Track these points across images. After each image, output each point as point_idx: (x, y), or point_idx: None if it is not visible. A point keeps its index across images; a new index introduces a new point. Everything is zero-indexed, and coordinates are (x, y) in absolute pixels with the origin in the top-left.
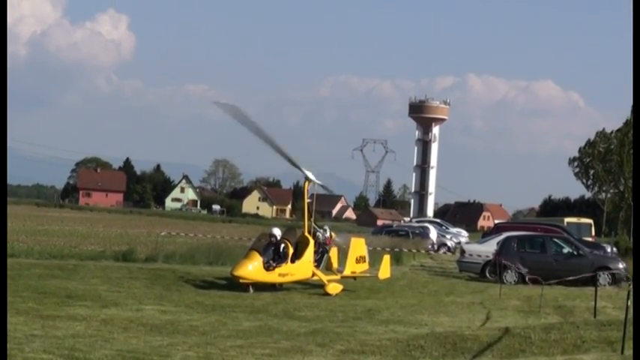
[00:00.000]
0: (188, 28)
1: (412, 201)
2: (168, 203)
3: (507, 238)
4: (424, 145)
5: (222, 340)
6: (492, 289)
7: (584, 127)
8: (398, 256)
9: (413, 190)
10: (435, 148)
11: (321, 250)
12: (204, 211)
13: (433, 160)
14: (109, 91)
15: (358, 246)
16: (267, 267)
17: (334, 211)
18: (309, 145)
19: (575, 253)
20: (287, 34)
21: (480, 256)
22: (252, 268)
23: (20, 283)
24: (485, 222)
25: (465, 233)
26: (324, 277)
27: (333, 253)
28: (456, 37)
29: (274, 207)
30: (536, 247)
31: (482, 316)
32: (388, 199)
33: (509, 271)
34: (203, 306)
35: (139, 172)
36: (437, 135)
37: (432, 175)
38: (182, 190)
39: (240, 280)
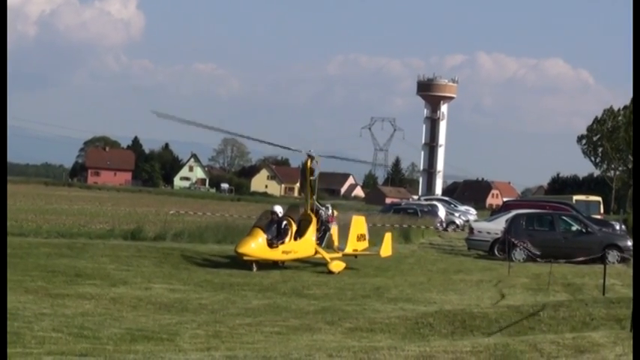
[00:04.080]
0: (197, 7)
1: (421, 179)
2: (177, 182)
3: (516, 216)
4: (432, 123)
5: (231, 319)
6: (501, 267)
7: (594, 105)
8: (406, 234)
9: (421, 168)
10: (443, 126)
11: (323, 228)
12: (213, 190)
13: (442, 138)
14: (118, 71)
15: (359, 224)
16: (271, 244)
17: (343, 189)
18: (318, 123)
19: (583, 230)
20: (296, 12)
21: (489, 233)
22: (256, 246)
23: (29, 262)
24: (493, 200)
25: (473, 211)
26: (327, 255)
27: (334, 231)
28: (465, 15)
29: (283, 185)
30: (545, 225)
31: (491, 293)
32: (397, 177)
33: (517, 248)
34: (212, 284)
35: (147, 151)
36: (445, 113)
37: (441, 153)
38: (190, 168)
39: (244, 258)
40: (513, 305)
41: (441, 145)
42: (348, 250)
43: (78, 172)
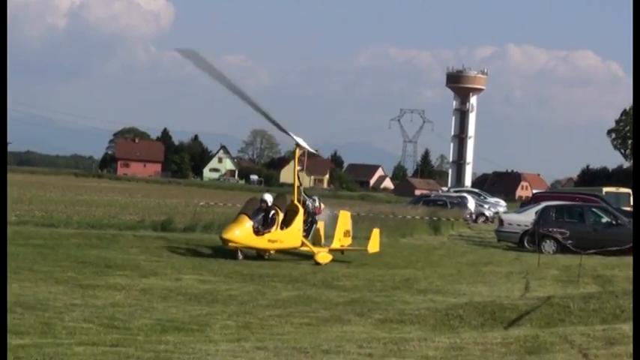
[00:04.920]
0: None
1: (450, 171)
2: (206, 173)
3: (546, 208)
4: (462, 115)
5: (261, 310)
6: (531, 259)
7: (624, 97)
8: (436, 226)
9: (451, 159)
10: (472, 117)
11: (310, 219)
12: (242, 181)
13: (471, 129)
14: (148, 62)
15: (345, 219)
16: (257, 232)
17: (372, 181)
18: (348, 114)
19: (613, 222)
20: (326, 3)
21: (519, 225)
22: (241, 232)
23: (60, 253)
24: (523, 192)
25: (503, 203)
26: (313, 247)
27: (321, 226)
28: (495, 7)
29: (312, 177)
30: (575, 217)
31: (521, 285)
32: (426, 169)
33: (547, 240)
34: (242, 275)
35: (176, 143)
36: (474, 105)
37: (470, 144)
38: (220, 160)
39: (230, 244)
40: (543, 297)
41: (470, 137)
42: (335, 245)
43: (108, 163)
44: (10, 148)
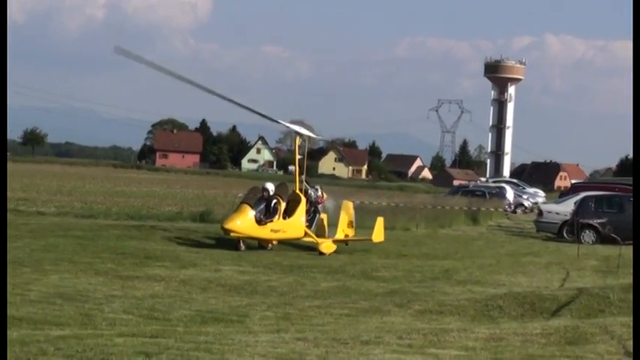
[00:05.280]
0: None
1: (488, 161)
2: (245, 164)
3: (585, 198)
4: (500, 105)
5: (301, 301)
6: (570, 249)
7: None
8: (475, 217)
9: (489, 150)
10: (510, 107)
11: (312, 209)
12: (281, 172)
13: (509, 120)
14: (186, 53)
15: (348, 209)
16: (259, 222)
17: (410, 171)
18: (386, 105)
19: None
20: None
21: (558, 214)
22: (243, 222)
23: (99, 244)
24: (561, 182)
25: (541, 193)
26: (316, 238)
27: (324, 217)
28: None
29: (350, 167)
30: (614, 207)
31: (561, 276)
32: (464, 159)
33: (586, 231)
34: (281, 266)
35: (215, 134)
36: (513, 95)
37: (508, 135)
38: (258, 151)
39: (231, 234)
40: (583, 287)
41: (508, 127)
42: (339, 236)
43: (146, 154)
44: (49, 139)
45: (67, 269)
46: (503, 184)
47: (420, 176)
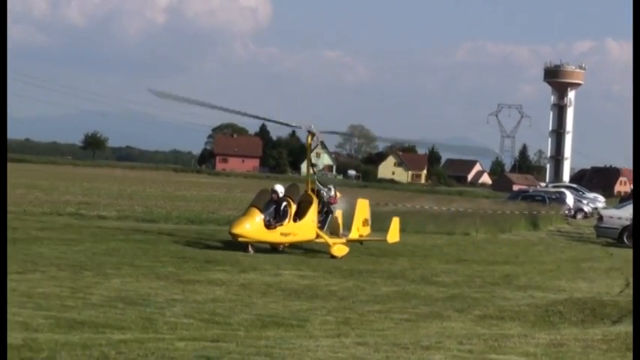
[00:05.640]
0: None
1: (548, 166)
2: (304, 168)
3: None
4: (560, 110)
5: (361, 305)
6: (631, 255)
7: None
8: (534, 222)
9: (548, 155)
10: (570, 112)
11: (325, 210)
12: (340, 176)
13: (569, 124)
14: (246, 58)
15: (364, 208)
16: (268, 225)
17: (470, 176)
18: (445, 110)
19: None
20: (424, 0)
21: (619, 219)
22: (252, 226)
23: (160, 248)
24: (621, 187)
25: (601, 198)
26: (329, 239)
27: (339, 215)
28: (593, 1)
29: (409, 172)
30: None
31: (621, 281)
32: (524, 164)
33: None
34: (341, 271)
35: (274, 138)
36: (572, 100)
37: (568, 139)
38: (318, 155)
39: (240, 239)
40: None
41: (568, 132)
42: (354, 235)
43: (206, 158)
44: (110, 143)
45: (128, 273)
46: (563, 189)
47: (480, 181)
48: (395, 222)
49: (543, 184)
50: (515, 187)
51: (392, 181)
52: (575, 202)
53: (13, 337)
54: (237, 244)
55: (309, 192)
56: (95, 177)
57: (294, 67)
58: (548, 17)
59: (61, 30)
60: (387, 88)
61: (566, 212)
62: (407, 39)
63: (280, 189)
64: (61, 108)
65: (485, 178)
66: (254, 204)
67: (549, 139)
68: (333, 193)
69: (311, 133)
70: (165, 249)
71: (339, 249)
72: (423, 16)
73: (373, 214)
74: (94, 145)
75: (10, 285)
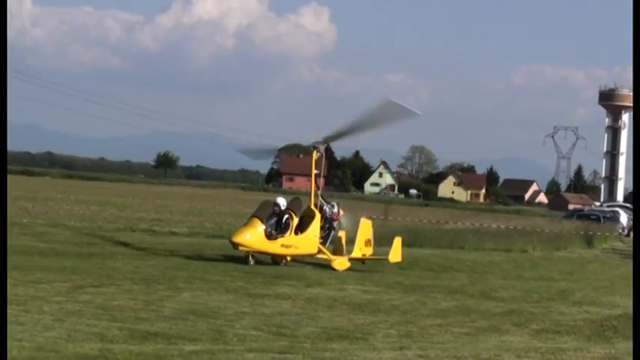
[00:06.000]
0: (386, 20)
1: (602, 186)
2: (367, 187)
3: None
4: (614, 132)
5: (422, 319)
6: None
7: None
8: (589, 240)
9: (603, 175)
10: (624, 134)
11: (327, 225)
12: (402, 195)
13: (623, 146)
14: (312, 81)
15: (366, 228)
16: (269, 236)
17: (527, 195)
18: (503, 131)
19: None
20: (483, 24)
21: None
22: (252, 236)
23: (229, 263)
24: None
25: None
26: (330, 255)
27: (343, 235)
28: None
29: (468, 191)
30: None
31: None
32: (579, 184)
33: None
34: (403, 286)
35: (339, 158)
36: (626, 122)
37: (622, 161)
38: (380, 174)
39: (240, 248)
40: None
41: (622, 154)
42: (356, 254)
43: (273, 177)
44: (180, 162)
45: (199, 287)
46: (617, 209)
47: (536, 200)
48: (397, 242)
49: (598, 204)
50: (571, 207)
51: (451, 199)
52: (628, 220)
53: (89, 347)
54: (300, 260)
55: (312, 207)
56: (167, 195)
57: (358, 89)
58: (603, 42)
59: (134, 54)
60: (447, 110)
61: (620, 231)
62: (466, 62)
63: (282, 202)
64: (134, 128)
65: (542, 198)
66: (256, 214)
67: (604, 160)
68: (336, 209)
69: (316, 149)
70: (235, 264)
71: (340, 263)
72: (481, 40)
73: (435, 231)
74: (165, 163)
75: (86, 298)
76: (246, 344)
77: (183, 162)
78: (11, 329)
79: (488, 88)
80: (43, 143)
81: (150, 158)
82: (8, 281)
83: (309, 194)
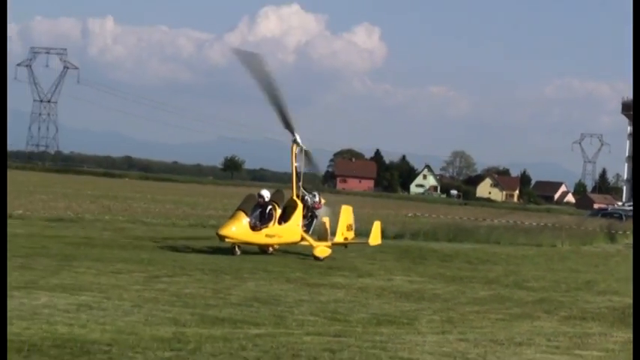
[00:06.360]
0: (432, 38)
1: (624, 187)
2: (413, 188)
3: None
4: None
5: (462, 307)
6: None
7: None
8: (612, 236)
9: (625, 177)
10: None
11: (309, 214)
12: (444, 195)
13: None
14: (363, 93)
15: (347, 214)
16: (254, 228)
17: (556, 196)
18: (535, 138)
19: None
20: (517, 41)
21: None
22: (238, 229)
23: (289, 257)
24: None
25: None
26: (313, 242)
27: (326, 221)
28: None
29: (504, 192)
30: None
31: None
32: (603, 185)
33: None
34: (444, 277)
35: (387, 162)
36: None
37: None
38: (424, 177)
39: (226, 240)
40: None
41: None
42: (338, 239)
43: (328, 179)
44: (246, 165)
45: (262, 277)
46: None
47: (565, 200)
48: (376, 225)
49: (620, 203)
50: (596, 206)
51: (488, 199)
52: None
53: (164, 331)
54: (355, 254)
55: (294, 197)
56: (233, 194)
57: (405, 100)
58: (627, 58)
59: (204, 69)
60: (485, 119)
61: None
62: (503, 76)
63: (266, 194)
64: (203, 135)
65: (570, 198)
66: (241, 207)
67: (626, 165)
68: (317, 199)
69: (296, 143)
70: (294, 257)
71: (322, 250)
72: (516, 56)
73: (473, 228)
74: (232, 167)
75: (161, 286)
76: (305, 328)
77: (248, 165)
78: (94, 314)
79: (523, 100)
80: (123, 148)
81: (218, 162)
82: (91, 271)
83: (292, 185)
